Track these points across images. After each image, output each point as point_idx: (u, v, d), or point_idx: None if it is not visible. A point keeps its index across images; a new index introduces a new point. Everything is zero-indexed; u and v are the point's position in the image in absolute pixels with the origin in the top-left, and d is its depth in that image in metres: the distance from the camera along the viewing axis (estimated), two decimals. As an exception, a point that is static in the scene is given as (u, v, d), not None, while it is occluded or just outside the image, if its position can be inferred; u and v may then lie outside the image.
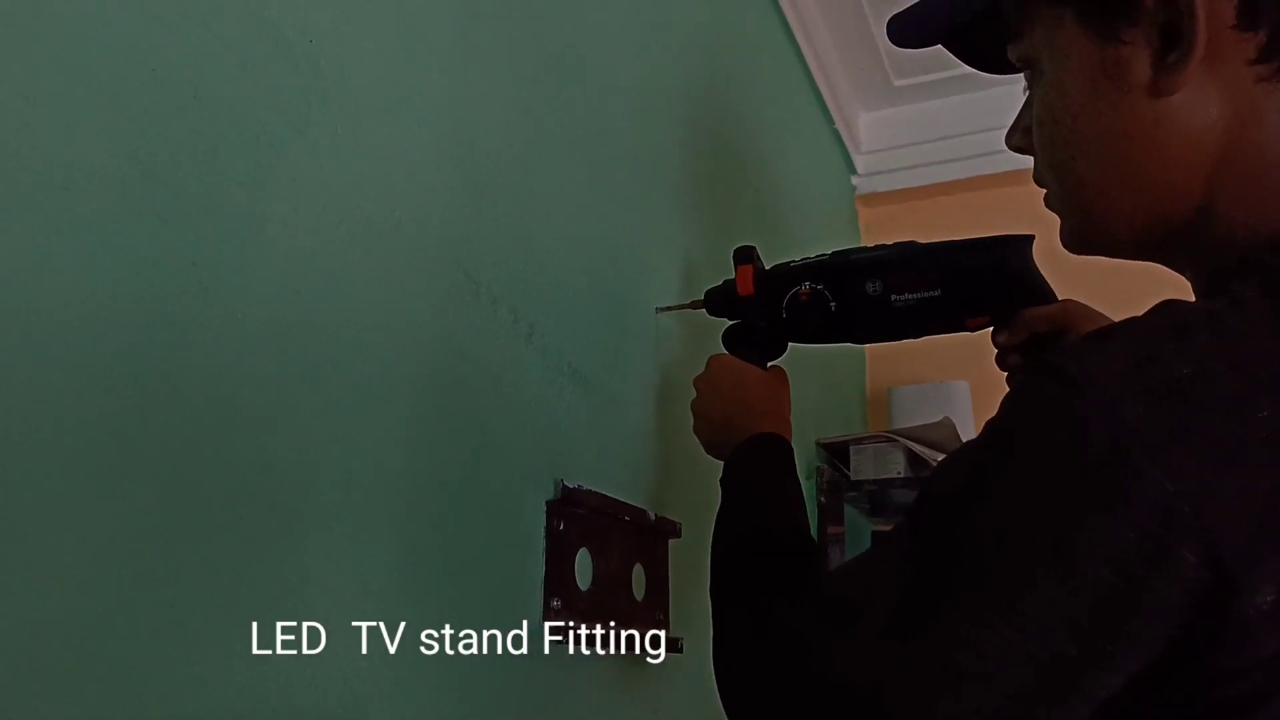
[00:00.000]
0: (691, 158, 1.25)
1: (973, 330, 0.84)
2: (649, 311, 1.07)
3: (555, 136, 0.91)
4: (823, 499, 1.69)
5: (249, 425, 0.54)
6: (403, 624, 0.64)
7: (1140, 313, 0.46)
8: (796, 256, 0.91)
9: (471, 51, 0.78)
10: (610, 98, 1.03)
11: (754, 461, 0.79)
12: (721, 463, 0.83)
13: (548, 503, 0.84)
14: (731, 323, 0.94)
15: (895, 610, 0.47)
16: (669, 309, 1.05)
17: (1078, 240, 0.58)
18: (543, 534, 0.83)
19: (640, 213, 1.08)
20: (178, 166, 0.51)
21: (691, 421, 0.93)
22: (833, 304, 0.86)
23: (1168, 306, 0.45)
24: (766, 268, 0.91)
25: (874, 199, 2.22)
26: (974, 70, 0.70)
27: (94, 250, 0.46)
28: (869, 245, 0.88)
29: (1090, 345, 0.44)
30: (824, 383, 1.84)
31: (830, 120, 2.03)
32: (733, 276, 0.92)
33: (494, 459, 0.77)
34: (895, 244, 0.86)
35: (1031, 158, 0.59)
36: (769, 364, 0.93)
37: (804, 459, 1.68)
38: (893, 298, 0.83)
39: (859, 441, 1.72)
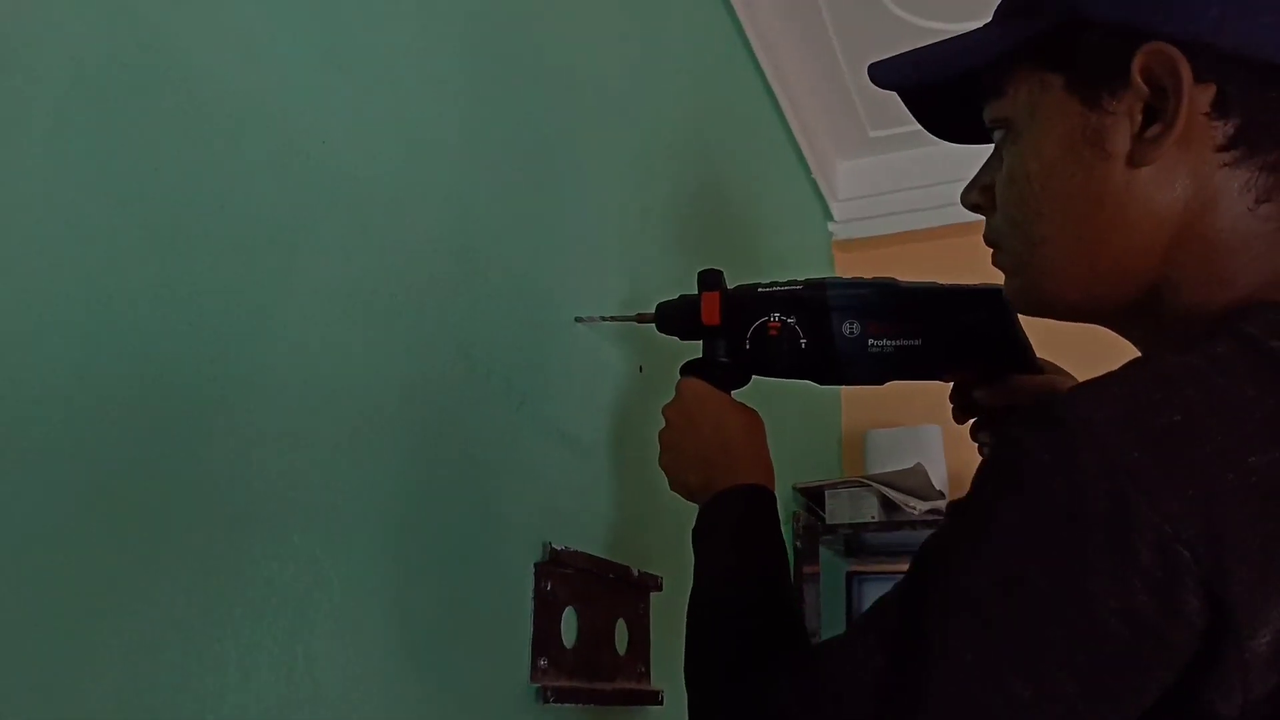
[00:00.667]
0: (679, 218, 1.29)
1: (946, 381, 0.82)
2: (634, 371, 1.11)
3: (548, 214, 0.95)
4: (799, 544, 1.73)
5: (267, 499, 0.57)
6: (399, 687, 0.68)
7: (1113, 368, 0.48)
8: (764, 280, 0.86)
9: (471, 139, 0.83)
10: (602, 169, 1.07)
11: (737, 520, 0.75)
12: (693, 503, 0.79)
13: (536, 565, 0.87)
14: (692, 359, 0.87)
15: (884, 685, 0.46)
16: (604, 320, 0.98)
17: (1027, 299, 0.60)
18: (531, 595, 0.86)
19: (629, 277, 1.12)
20: (201, 271, 0.54)
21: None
22: (803, 341, 0.81)
23: (1148, 359, 0.47)
24: (731, 288, 0.86)
25: (850, 245, 2.28)
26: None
27: (121, 355, 0.50)
28: (846, 278, 0.83)
29: (1082, 395, 0.45)
30: (803, 426, 1.89)
31: (808, 169, 2.09)
32: (690, 293, 0.87)
33: (488, 526, 0.81)
34: (875, 280, 0.81)
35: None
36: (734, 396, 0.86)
37: (781, 504, 1.72)
38: (869, 342, 0.79)
39: (834, 486, 1.77)
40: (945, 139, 0.71)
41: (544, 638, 0.86)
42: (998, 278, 0.68)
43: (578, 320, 0.98)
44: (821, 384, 0.85)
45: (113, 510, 0.48)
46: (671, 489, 0.85)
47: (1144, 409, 0.43)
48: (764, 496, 0.77)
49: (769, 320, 0.82)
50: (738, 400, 0.86)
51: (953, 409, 0.83)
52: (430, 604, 0.72)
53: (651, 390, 1.13)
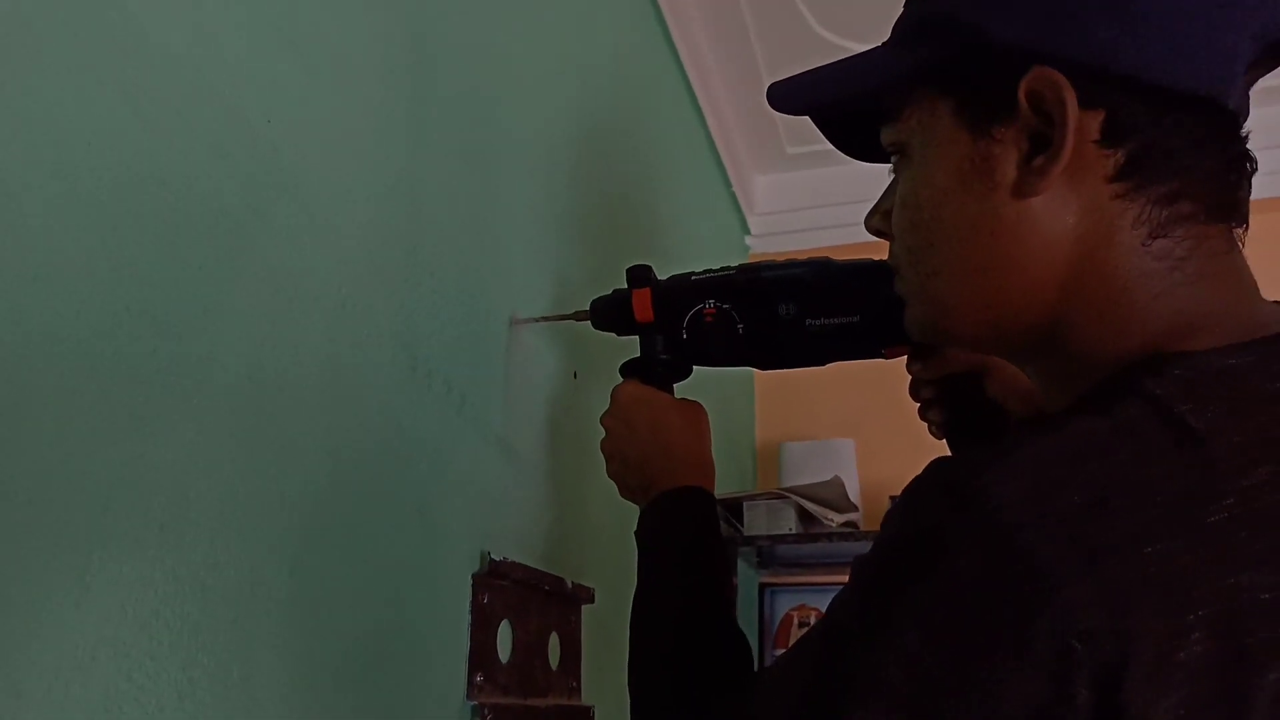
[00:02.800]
0: (608, 222, 1.28)
1: (889, 358, 0.79)
2: (569, 376, 1.08)
3: (488, 212, 0.92)
4: (718, 555, 1.72)
5: (208, 500, 0.53)
6: (338, 705, 0.63)
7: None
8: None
9: (419, 133, 0.79)
10: (536, 171, 1.05)
11: (674, 526, 0.75)
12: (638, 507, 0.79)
13: (474, 576, 0.83)
14: (631, 358, 0.86)
15: None
16: (540, 320, 0.96)
17: (923, 328, 0.58)
18: (468, 609, 0.82)
19: (560, 280, 1.09)
20: (145, 256, 0.50)
21: (605, 468, 0.84)
22: (740, 325, 0.78)
23: (1056, 425, 0.44)
24: (663, 280, 0.84)
25: (767, 258, 2.30)
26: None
27: (56, 341, 0.45)
28: (780, 260, 0.80)
29: (989, 468, 0.43)
30: (718, 437, 1.88)
31: (728, 182, 2.10)
32: (623, 287, 0.85)
33: (427, 533, 0.77)
34: (809, 260, 0.78)
35: (887, 242, 0.59)
36: (676, 390, 0.86)
37: (700, 515, 1.71)
38: (807, 322, 0.76)
39: (752, 498, 1.77)
40: (859, 158, 0.67)
41: (481, 653, 0.82)
42: None
43: (515, 322, 0.95)
44: (763, 369, 0.83)
45: (35, 511, 0.43)
46: (621, 496, 0.83)
47: (1049, 488, 0.41)
48: (697, 496, 0.77)
49: (704, 308, 0.79)
50: (680, 395, 0.84)
51: (909, 385, 0.81)
52: (368, 617, 0.68)
53: (586, 396, 1.10)
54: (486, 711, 0.80)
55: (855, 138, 0.64)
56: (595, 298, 0.88)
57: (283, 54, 0.62)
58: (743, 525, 1.77)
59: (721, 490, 1.81)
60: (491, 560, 0.84)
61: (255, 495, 0.57)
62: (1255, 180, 0.51)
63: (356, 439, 0.68)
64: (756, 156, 2.25)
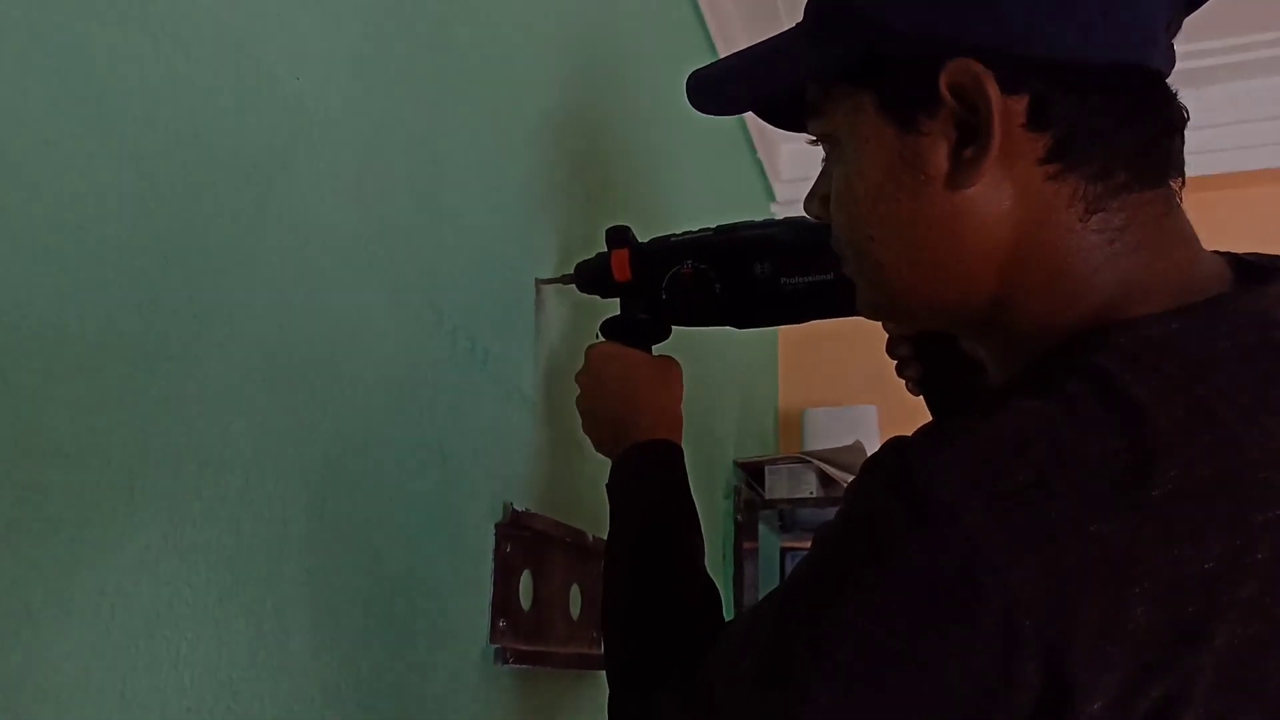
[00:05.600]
0: (633, 184, 1.29)
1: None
2: (593, 335, 1.10)
3: (512, 171, 0.93)
4: (739, 517, 1.75)
5: (241, 443, 0.55)
6: (364, 639, 0.66)
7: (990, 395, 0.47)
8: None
9: (443, 91, 0.81)
10: (565, 132, 1.06)
11: (641, 478, 0.77)
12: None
13: (497, 525, 0.86)
14: (611, 316, 0.88)
15: (748, 712, 0.48)
16: (548, 281, 0.97)
17: (874, 310, 0.58)
18: (491, 557, 0.85)
19: (587, 239, 1.10)
20: (177, 203, 0.52)
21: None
22: (717, 285, 0.79)
23: (1003, 405, 0.44)
24: (644, 242, 0.84)
25: (791, 226, 2.30)
26: None
27: (97, 284, 0.47)
28: (757, 220, 0.81)
29: (935, 450, 0.44)
30: (741, 403, 1.90)
31: (753, 149, 2.10)
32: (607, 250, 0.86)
33: (451, 483, 0.79)
34: (785, 220, 0.80)
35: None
36: (655, 349, 0.87)
37: (723, 478, 1.74)
38: (782, 280, 0.77)
39: (774, 462, 1.78)
40: (790, 130, 0.63)
41: (503, 599, 0.85)
42: None
43: (538, 283, 0.97)
44: (740, 328, 0.84)
45: (78, 451, 0.46)
46: (596, 451, 0.85)
47: (994, 470, 0.42)
48: (665, 450, 0.79)
49: (682, 268, 0.81)
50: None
51: (886, 343, 0.81)
52: (395, 558, 0.71)
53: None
54: (509, 655, 0.83)
55: (789, 116, 0.61)
56: (580, 261, 0.88)
57: (308, 10, 0.64)
58: (764, 489, 1.79)
59: (743, 455, 1.84)
60: (514, 510, 0.87)
61: (287, 437, 0.59)
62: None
63: (384, 389, 0.70)
64: (782, 123, 2.24)
